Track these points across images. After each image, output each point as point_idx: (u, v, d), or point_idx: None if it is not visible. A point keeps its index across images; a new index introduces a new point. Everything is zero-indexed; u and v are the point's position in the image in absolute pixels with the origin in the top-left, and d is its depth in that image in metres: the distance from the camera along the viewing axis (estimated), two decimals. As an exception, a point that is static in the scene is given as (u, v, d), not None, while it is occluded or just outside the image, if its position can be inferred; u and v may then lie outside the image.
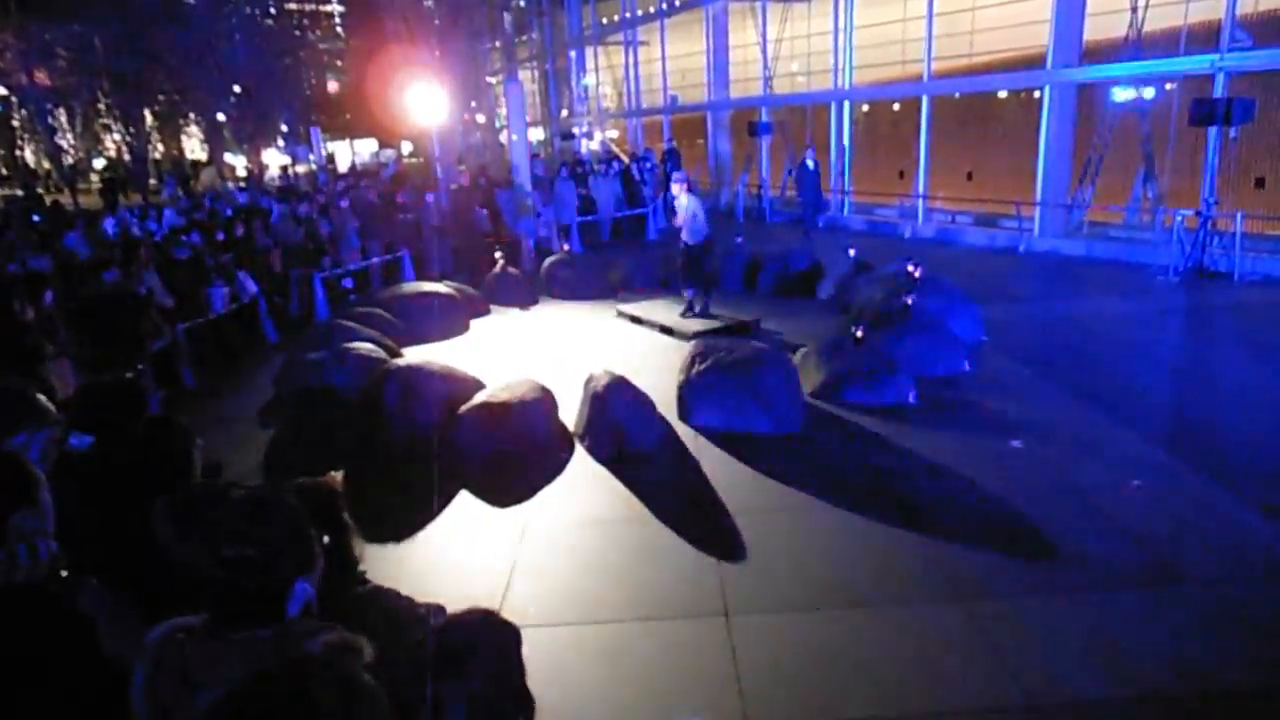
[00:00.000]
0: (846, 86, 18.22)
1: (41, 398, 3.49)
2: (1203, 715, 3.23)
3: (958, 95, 17.01)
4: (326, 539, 2.48)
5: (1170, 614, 3.86)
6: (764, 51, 20.33)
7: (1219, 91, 11.46)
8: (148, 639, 1.59)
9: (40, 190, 29.14)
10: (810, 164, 15.82)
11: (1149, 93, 13.03)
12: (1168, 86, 13.20)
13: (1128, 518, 4.75)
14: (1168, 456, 5.58)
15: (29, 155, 38.09)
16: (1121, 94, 13.21)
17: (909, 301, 8.00)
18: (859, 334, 7.36)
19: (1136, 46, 12.96)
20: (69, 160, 33.26)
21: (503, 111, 29.37)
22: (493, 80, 34.40)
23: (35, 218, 16.31)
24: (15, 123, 32.41)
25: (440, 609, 2.03)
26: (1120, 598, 4.00)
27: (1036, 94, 14.49)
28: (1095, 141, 13.78)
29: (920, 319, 7.82)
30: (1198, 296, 10.41)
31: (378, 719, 1.39)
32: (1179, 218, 11.51)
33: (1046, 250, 13.83)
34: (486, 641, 2.12)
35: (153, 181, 31.69)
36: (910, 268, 8.79)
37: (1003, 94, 16.48)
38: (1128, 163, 13.80)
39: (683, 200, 9.48)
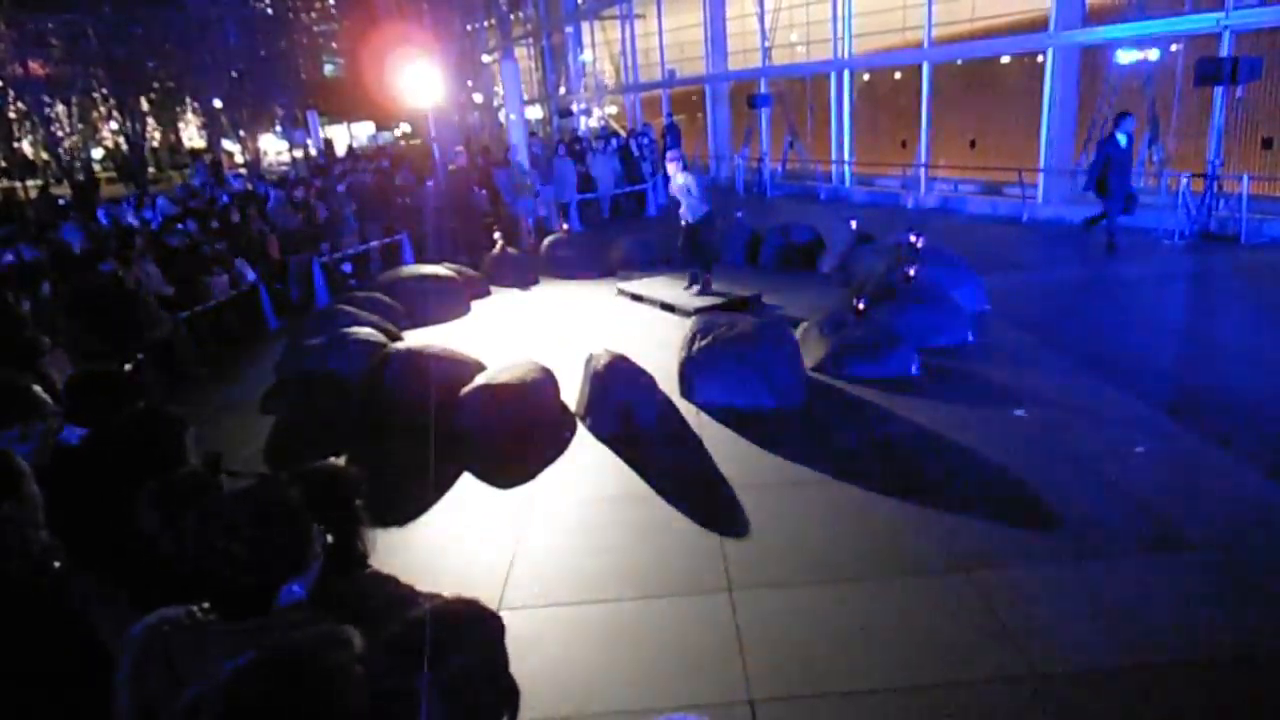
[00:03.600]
0: (846, 55, 17.97)
1: (37, 390, 3.48)
2: (1213, 682, 3.20)
3: (959, 61, 16.76)
4: (331, 531, 2.45)
5: (1178, 580, 3.83)
6: (761, 21, 20.05)
7: (1225, 50, 11.26)
8: (132, 631, 1.57)
9: (40, 181, 29.07)
10: (1123, 139, 10.49)
11: (1153, 54, 12.80)
12: (1172, 47, 12.97)
13: (1133, 484, 4.72)
14: (1173, 422, 5.53)
15: (26, 147, 37.92)
16: (1125, 56, 12.98)
17: (911, 272, 7.93)
18: (861, 306, 7.30)
19: (1140, 7, 12.73)
20: (64, 149, 33.12)
21: (500, 90, 29.11)
22: (488, 59, 34.05)
23: (60, 200, 16.46)
24: (12, 115, 32.22)
25: (431, 596, 2.01)
26: (1127, 564, 3.98)
27: (1040, 58, 14.27)
28: (1099, 105, 13.58)
29: (923, 290, 7.75)
30: (1204, 260, 10.29)
31: (363, 711, 1.37)
32: (1184, 181, 11.36)
33: (1050, 217, 13.67)
34: (468, 630, 2.10)
35: (151, 170, 31.57)
36: (912, 238, 8.70)
37: (1006, 59, 16.23)
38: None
39: (679, 179, 9.37)
